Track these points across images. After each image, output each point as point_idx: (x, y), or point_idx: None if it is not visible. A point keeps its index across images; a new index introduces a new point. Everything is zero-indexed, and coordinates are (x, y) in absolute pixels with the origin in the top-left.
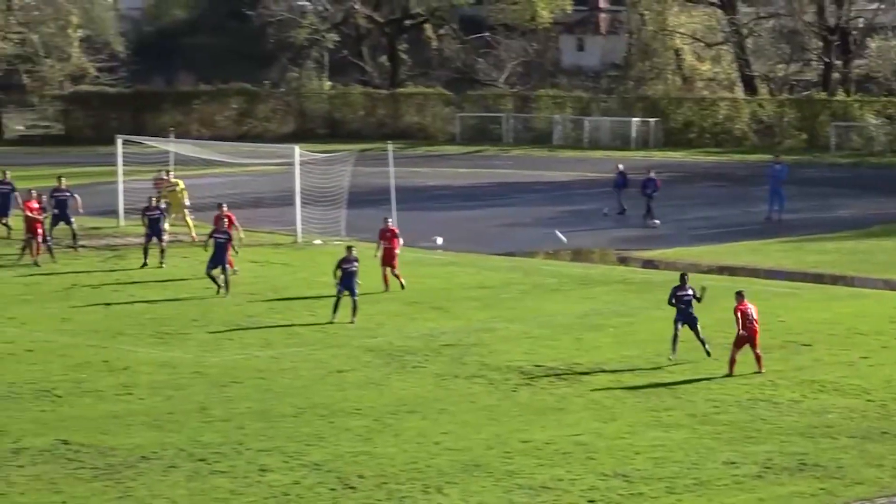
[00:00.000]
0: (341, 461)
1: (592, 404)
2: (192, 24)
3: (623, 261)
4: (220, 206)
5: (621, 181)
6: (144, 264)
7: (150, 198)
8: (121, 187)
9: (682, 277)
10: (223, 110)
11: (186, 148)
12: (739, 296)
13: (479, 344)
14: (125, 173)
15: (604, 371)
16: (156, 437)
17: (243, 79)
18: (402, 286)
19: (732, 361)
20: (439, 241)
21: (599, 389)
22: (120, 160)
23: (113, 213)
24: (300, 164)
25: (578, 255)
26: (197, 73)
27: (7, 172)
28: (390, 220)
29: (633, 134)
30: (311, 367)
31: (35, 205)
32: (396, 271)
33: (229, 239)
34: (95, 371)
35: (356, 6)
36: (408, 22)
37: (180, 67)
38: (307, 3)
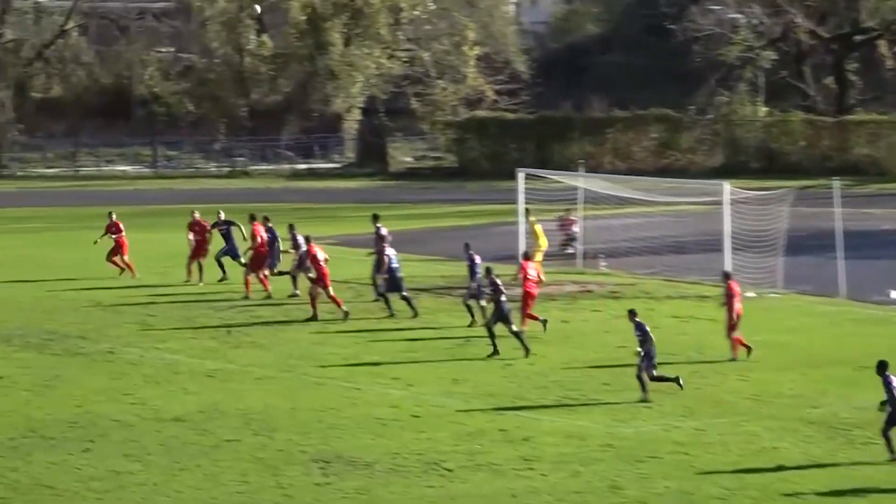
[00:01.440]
0: None
1: None
2: (604, 41)
3: None
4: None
5: None
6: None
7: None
8: (521, 228)
9: None
10: (640, 140)
11: (597, 183)
12: None
13: None
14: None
15: None
16: None
17: (664, 104)
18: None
19: None
20: (894, 294)
21: None
22: (521, 197)
23: (510, 257)
24: (730, 204)
25: None
26: (610, 96)
27: (268, 218)
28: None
29: None
30: (740, 441)
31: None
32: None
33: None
34: (491, 441)
35: (797, 19)
36: (858, 37)
37: (591, 90)
38: (740, 16)
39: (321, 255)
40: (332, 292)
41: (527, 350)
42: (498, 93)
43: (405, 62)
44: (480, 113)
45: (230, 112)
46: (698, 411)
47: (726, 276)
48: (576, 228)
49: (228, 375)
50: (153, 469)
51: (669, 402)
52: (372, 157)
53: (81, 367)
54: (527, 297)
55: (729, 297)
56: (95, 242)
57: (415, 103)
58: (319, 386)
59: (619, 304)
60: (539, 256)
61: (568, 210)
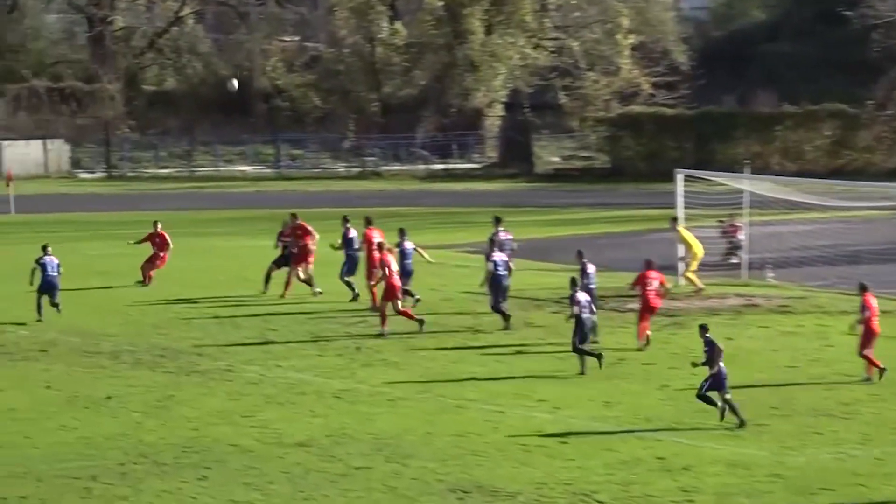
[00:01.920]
0: None
1: None
2: (772, 28)
3: None
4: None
5: None
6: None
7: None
8: (685, 235)
9: None
10: (812, 138)
11: (764, 186)
12: None
13: None
14: (686, 217)
15: None
16: None
17: (838, 98)
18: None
19: None
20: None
21: None
22: (680, 201)
23: (670, 268)
24: None
25: None
26: (778, 90)
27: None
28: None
29: None
30: None
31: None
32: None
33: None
34: (647, 470)
35: None
36: None
37: (757, 83)
38: None
39: (394, 265)
40: (400, 306)
41: (599, 358)
42: (654, 86)
43: (552, 52)
44: (635, 108)
45: (360, 107)
46: (877, 438)
47: (862, 289)
48: (741, 236)
49: (358, 396)
50: (275, 499)
51: (844, 428)
52: (515, 157)
53: (197, 386)
54: (646, 310)
55: (865, 312)
56: (130, 243)
57: (563, 97)
58: (458, 408)
59: (789, 319)
60: (694, 265)
61: (732, 216)
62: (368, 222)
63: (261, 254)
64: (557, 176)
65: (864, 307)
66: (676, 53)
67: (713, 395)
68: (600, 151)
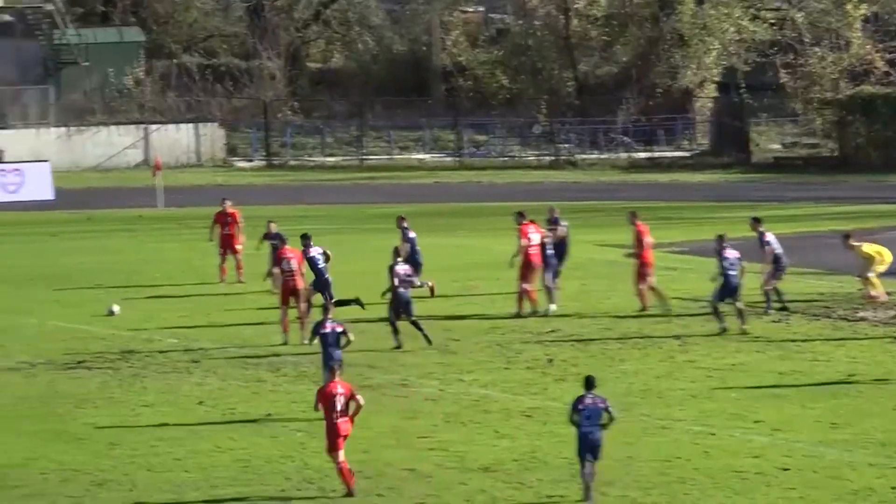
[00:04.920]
0: None
1: None
2: None
3: None
4: None
5: None
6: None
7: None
8: None
9: None
10: None
11: None
12: None
13: None
14: None
15: None
16: None
17: None
18: None
19: None
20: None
21: None
22: None
23: None
24: None
25: None
26: None
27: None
28: None
29: None
30: None
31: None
32: None
33: None
34: (881, 502)
35: None
36: None
37: None
38: None
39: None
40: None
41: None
42: (890, 63)
43: (772, 25)
44: (867, 88)
45: (553, 87)
46: None
47: None
48: None
49: (549, 415)
50: None
51: None
52: (730, 144)
53: (368, 402)
54: None
55: None
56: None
57: (784, 77)
58: (664, 430)
59: None
60: (882, 268)
61: None
62: (522, 217)
63: (439, 253)
64: (777, 166)
65: None
66: None
67: None
68: (827, 138)
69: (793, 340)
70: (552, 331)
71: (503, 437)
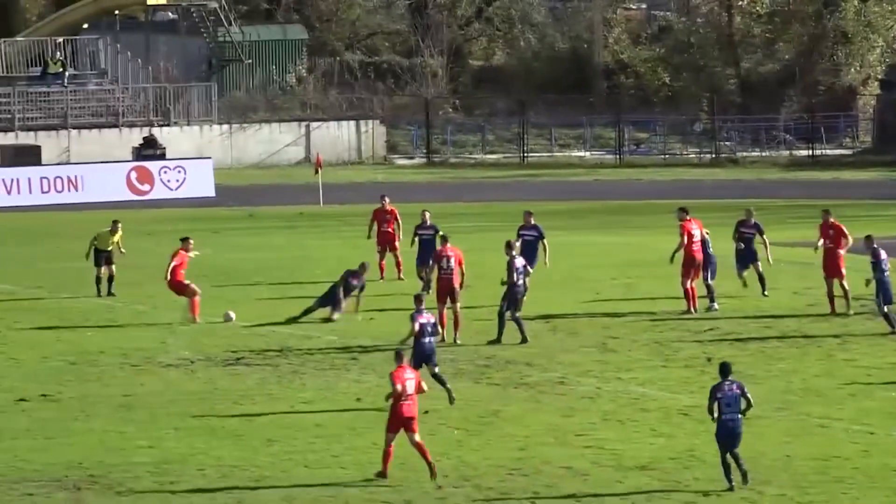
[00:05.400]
0: None
1: None
2: None
3: None
4: None
5: None
6: None
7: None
8: None
9: None
10: None
11: None
12: None
13: None
14: None
15: None
16: None
17: None
18: None
19: None
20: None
21: None
22: None
23: None
24: None
25: None
26: None
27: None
28: None
29: None
30: None
31: None
32: None
33: None
34: None
35: None
36: None
37: None
38: None
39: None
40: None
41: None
42: None
43: None
44: None
45: (715, 85)
46: None
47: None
48: None
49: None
50: None
51: None
52: (893, 142)
53: (525, 400)
54: None
55: None
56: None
57: None
58: (822, 428)
59: None
60: None
61: None
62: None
63: (600, 251)
64: None
65: None
66: None
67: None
68: None
69: None
70: (710, 329)
71: (660, 435)
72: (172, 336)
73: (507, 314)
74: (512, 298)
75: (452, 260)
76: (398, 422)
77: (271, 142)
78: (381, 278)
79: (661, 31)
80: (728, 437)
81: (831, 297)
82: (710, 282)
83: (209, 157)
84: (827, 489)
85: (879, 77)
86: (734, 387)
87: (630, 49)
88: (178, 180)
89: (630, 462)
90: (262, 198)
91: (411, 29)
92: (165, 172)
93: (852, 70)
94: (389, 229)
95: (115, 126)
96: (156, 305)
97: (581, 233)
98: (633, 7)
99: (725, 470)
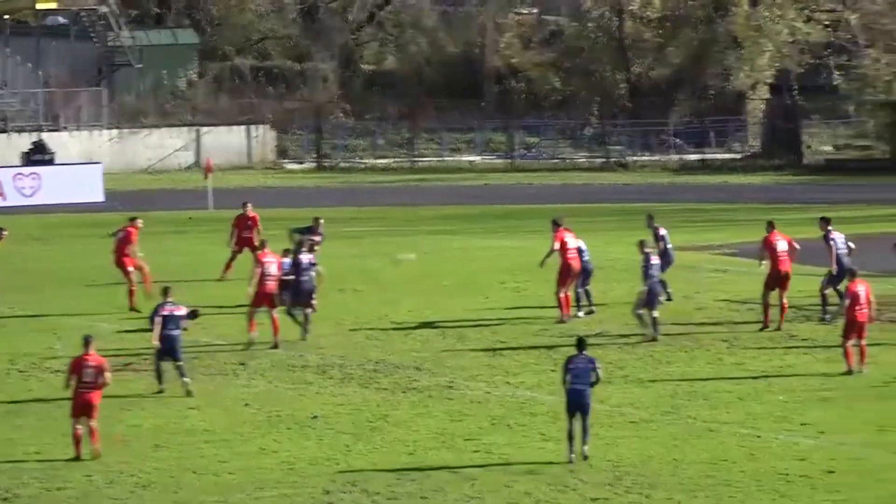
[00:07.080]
0: None
1: None
2: None
3: None
4: None
5: None
6: None
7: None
8: None
9: None
10: None
11: None
12: None
13: None
14: None
15: None
16: None
17: None
18: None
19: None
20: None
21: None
22: None
23: None
24: None
25: None
26: None
27: (321, 220)
28: None
29: None
30: None
31: None
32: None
33: None
34: None
35: None
36: None
37: None
38: None
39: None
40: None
41: None
42: None
43: (826, 27)
44: None
45: (606, 89)
46: None
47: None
48: None
49: (595, 418)
50: None
51: None
52: (781, 146)
53: (414, 405)
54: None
55: None
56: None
57: (838, 78)
58: (709, 432)
59: None
60: None
61: None
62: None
63: (491, 255)
64: (829, 168)
65: None
66: None
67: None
68: (880, 140)
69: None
70: (599, 333)
71: (549, 439)
72: (60, 342)
73: (644, 311)
74: (653, 294)
75: (274, 266)
76: (78, 407)
77: (161, 147)
78: (221, 278)
79: (553, 36)
80: (575, 406)
81: (767, 307)
82: (580, 290)
83: (99, 162)
84: (715, 492)
85: (769, 82)
86: (585, 360)
87: (521, 53)
88: (31, 188)
89: (519, 467)
90: (152, 202)
91: (303, 34)
92: (20, 179)
93: (742, 74)
94: (250, 235)
95: (4, 131)
96: (43, 311)
97: (471, 237)
98: (525, 12)
99: (569, 441)
